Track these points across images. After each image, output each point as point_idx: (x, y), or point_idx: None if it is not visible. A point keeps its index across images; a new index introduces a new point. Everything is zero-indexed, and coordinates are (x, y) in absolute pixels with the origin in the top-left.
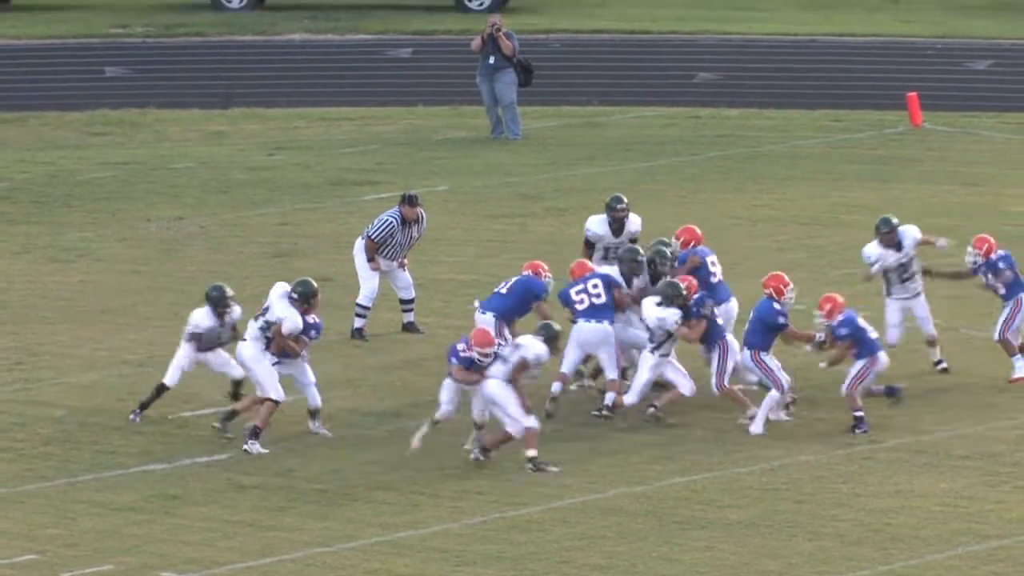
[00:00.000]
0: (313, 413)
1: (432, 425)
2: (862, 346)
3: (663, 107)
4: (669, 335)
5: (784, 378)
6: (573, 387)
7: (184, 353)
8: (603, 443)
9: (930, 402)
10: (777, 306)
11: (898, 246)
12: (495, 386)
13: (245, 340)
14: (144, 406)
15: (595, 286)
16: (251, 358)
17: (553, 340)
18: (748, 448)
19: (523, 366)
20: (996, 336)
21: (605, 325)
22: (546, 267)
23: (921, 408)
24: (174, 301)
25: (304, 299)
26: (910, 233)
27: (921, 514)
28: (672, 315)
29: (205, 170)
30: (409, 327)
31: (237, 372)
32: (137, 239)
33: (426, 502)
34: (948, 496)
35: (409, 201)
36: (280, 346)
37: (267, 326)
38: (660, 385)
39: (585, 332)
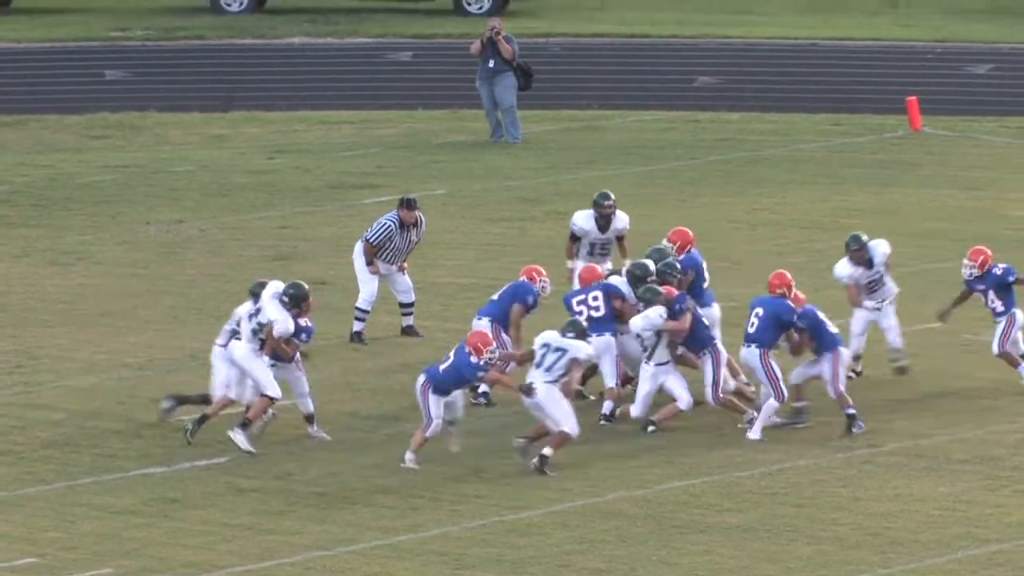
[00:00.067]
0: (308, 419)
1: (449, 424)
2: (821, 340)
3: (663, 111)
4: (659, 336)
5: (785, 389)
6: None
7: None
8: (602, 447)
9: (929, 406)
10: (791, 304)
11: (869, 263)
12: (543, 392)
13: (239, 340)
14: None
15: (595, 298)
16: (244, 357)
17: (585, 335)
18: (747, 452)
19: (575, 366)
20: (995, 351)
21: (606, 337)
22: (544, 272)
23: (921, 412)
24: (174, 304)
25: (295, 302)
26: (880, 249)
27: (920, 518)
28: (657, 311)
29: (205, 173)
30: (408, 331)
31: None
32: (137, 242)
33: (425, 506)
34: (947, 500)
35: (407, 205)
36: (272, 348)
37: (259, 328)
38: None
39: None
